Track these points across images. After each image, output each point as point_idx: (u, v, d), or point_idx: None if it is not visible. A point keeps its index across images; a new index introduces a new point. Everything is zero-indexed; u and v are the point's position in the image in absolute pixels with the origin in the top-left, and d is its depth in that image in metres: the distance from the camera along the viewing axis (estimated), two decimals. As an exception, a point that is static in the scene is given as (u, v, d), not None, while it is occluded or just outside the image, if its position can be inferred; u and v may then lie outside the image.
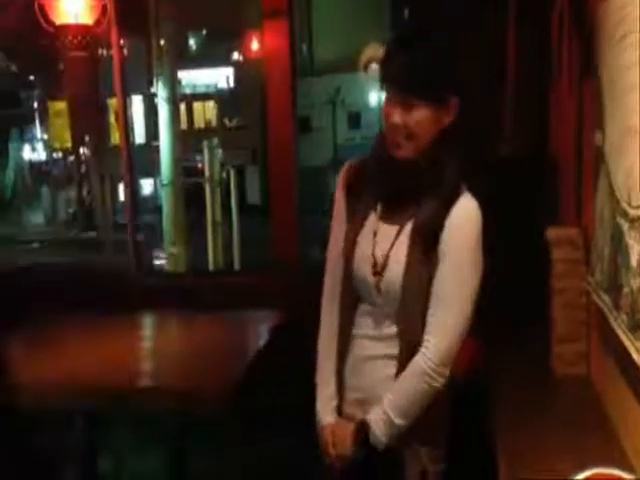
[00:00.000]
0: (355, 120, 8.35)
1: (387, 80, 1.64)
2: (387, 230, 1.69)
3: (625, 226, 1.87)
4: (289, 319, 3.58)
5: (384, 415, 1.59)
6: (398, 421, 1.58)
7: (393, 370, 1.66)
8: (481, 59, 3.43)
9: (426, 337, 1.60)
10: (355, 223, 1.72)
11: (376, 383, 1.69)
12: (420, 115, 1.58)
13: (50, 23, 3.92)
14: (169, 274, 7.68)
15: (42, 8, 3.91)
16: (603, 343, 2.34)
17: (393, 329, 1.66)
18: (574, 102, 2.78)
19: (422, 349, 1.59)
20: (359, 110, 8.50)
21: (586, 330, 2.60)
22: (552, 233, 2.64)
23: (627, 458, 1.92)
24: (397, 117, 1.61)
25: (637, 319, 1.73)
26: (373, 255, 1.68)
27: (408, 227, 1.66)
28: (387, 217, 1.69)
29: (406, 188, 1.66)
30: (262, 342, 3.33)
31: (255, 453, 3.69)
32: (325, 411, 1.78)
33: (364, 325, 1.71)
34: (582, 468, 1.72)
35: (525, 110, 3.35)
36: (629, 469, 1.78)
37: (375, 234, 1.69)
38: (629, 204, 1.83)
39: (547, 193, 3.12)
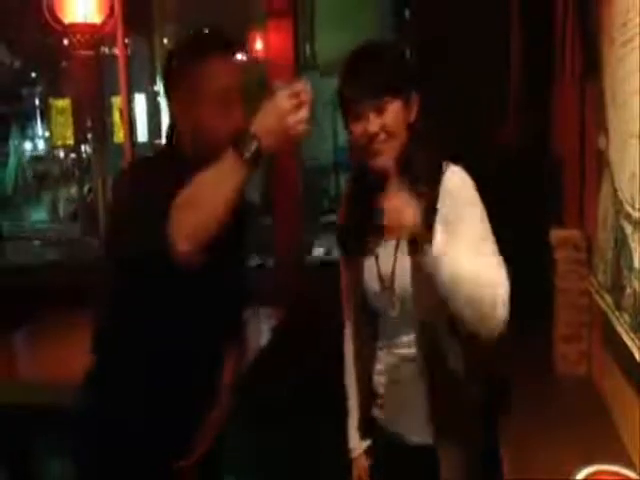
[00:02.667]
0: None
1: (352, 95, 1.68)
2: (386, 246, 1.72)
3: (629, 228, 1.89)
4: (292, 317, 3.60)
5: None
6: (442, 270, 1.45)
7: (414, 369, 1.68)
8: (485, 52, 3.46)
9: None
10: (357, 253, 1.76)
11: (403, 387, 1.73)
12: (393, 110, 1.63)
13: (58, 22, 3.95)
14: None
15: (50, 7, 3.94)
16: (605, 343, 2.37)
17: (410, 335, 1.69)
18: (577, 103, 2.81)
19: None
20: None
21: (588, 330, 2.62)
22: (555, 234, 2.67)
23: (629, 457, 1.95)
24: (374, 124, 1.65)
25: (639, 320, 1.76)
26: (379, 274, 1.71)
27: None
28: (383, 235, 1.71)
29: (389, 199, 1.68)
30: (264, 341, 3.35)
31: (255, 450, 3.72)
32: (355, 439, 1.86)
33: (384, 335, 1.75)
34: (585, 467, 1.75)
35: (529, 101, 3.37)
36: (631, 468, 1.82)
37: (377, 255, 1.73)
38: (633, 207, 1.85)
39: (550, 192, 3.14)
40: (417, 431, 1.73)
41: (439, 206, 1.62)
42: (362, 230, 1.73)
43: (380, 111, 1.64)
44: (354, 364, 1.82)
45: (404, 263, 1.67)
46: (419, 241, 1.45)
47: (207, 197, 1.45)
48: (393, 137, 1.65)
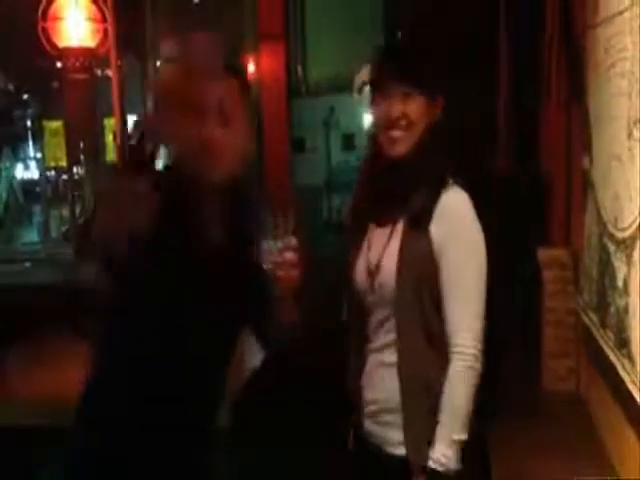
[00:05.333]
0: (349, 141, 8.53)
1: (385, 78, 1.74)
2: (380, 234, 1.71)
3: (612, 248, 1.95)
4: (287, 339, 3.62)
5: (447, 446, 1.52)
6: (461, 436, 1.52)
7: (396, 378, 1.68)
8: (474, 80, 3.52)
9: (455, 335, 1.56)
10: (357, 241, 1.78)
11: (382, 393, 1.73)
12: (418, 104, 1.68)
13: (53, 46, 4.01)
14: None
15: (45, 31, 4.00)
16: (591, 359, 2.42)
17: (391, 336, 1.69)
18: (563, 126, 2.87)
19: (456, 349, 1.56)
20: (353, 131, 8.70)
21: (575, 347, 2.68)
22: (543, 254, 2.73)
23: (614, 468, 2.00)
24: (396, 109, 1.70)
25: (623, 337, 1.81)
26: (367, 259, 1.72)
27: (399, 226, 1.70)
28: (380, 221, 1.74)
29: (395, 186, 1.73)
30: (258, 361, 3.36)
31: (250, 469, 3.72)
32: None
33: (368, 338, 1.76)
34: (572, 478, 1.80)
35: (517, 130, 3.43)
36: (615, 477, 1.86)
37: (369, 242, 1.74)
38: (615, 227, 1.91)
39: (538, 213, 3.20)
40: (392, 441, 1.73)
41: (433, 225, 1.64)
42: (365, 213, 1.76)
43: (405, 100, 1.70)
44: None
45: (393, 247, 1.68)
46: None
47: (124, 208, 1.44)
48: (411, 129, 1.69)
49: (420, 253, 1.61)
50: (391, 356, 1.68)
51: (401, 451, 1.67)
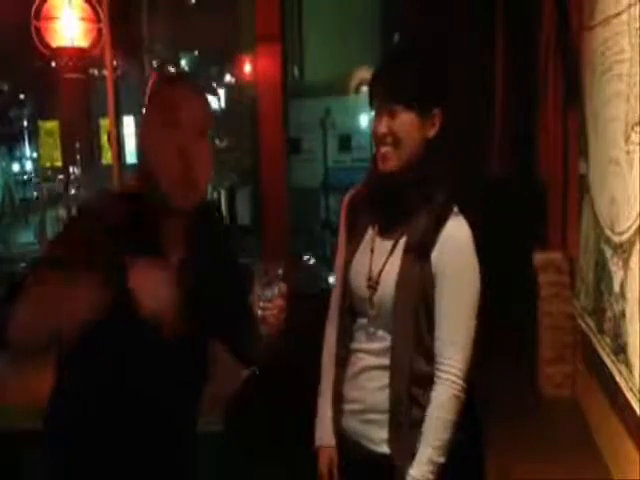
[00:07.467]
0: (345, 143, 8.51)
1: (374, 93, 1.74)
2: (383, 245, 1.73)
3: (608, 252, 1.93)
4: (281, 342, 3.60)
5: (428, 467, 1.60)
6: (443, 460, 1.57)
7: (386, 380, 1.70)
8: (470, 82, 3.51)
9: (441, 360, 1.62)
10: (354, 241, 1.79)
11: (370, 393, 1.74)
12: (404, 120, 1.68)
13: (46, 46, 3.98)
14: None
15: (38, 31, 3.96)
16: (588, 365, 2.40)
17: (385, 343, 1.71)
18: (560, 130, 2.85)
19: (441, 375, 1.61)
20: (349, 133, 8.67)
21: (572, 352, 2.65)
22: (538, 258, 2.71)
23: (610, 474, 1.98)
24: (383, 125, 1.70)
25: (619, 342, 1.79)
26: (369, 270, 1.74)
27: (402, 242, 1.71)
28: (383, 233, 1.74)
29: (397, 204, 1.73)
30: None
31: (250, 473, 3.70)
32: (323, 429, 1.82)
33: (359, 339, 1.76)
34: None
35: (513, 133, 3.41)
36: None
37: (372, 250, 1.75)
38: (612, 231, 1.89)
39: (534, 217, 3.18)
40: (375, 439, 1.74)
41: (435, 253, 1.64)
42: (366, 217, 1.75)
43: (392, 116, 1.70)
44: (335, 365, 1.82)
45: (394, 265, 1.69)
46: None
47: (54, 308, 1.36)
48: (401, 146, 1.68)
49: (419, 277, 1.63)
50: (383, 360, 1.69)
51: (383, 449, 1.69)
